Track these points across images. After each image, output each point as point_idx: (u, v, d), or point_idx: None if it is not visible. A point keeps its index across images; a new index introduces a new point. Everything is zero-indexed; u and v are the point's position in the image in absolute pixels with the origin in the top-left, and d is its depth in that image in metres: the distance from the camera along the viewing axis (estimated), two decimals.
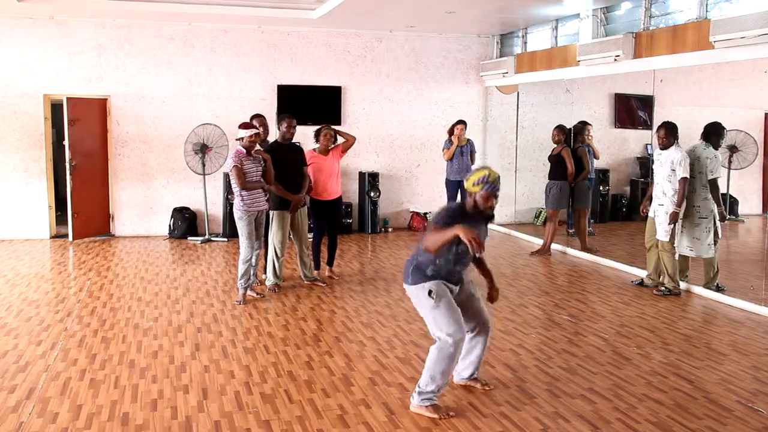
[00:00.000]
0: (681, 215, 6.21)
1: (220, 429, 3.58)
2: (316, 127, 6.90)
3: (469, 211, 3.66)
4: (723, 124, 6.41)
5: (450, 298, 3.74)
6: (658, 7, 7.15)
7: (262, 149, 6.17)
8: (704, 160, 6.20)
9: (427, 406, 3.72)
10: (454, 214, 3.62)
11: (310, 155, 6.71)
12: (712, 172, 6.18)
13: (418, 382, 3.77)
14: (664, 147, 6.25)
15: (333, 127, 6.93)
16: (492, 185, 3.59)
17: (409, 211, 10.37)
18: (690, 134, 6.60)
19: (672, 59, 6.73)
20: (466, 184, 3.64)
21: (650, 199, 6.51)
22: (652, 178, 6.52)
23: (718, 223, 6.27)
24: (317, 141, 6.81)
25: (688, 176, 6.07)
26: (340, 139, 6.91)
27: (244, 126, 6.01)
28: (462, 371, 4.11)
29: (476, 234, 3.36)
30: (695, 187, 6.22)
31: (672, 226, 6.19)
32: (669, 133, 6.20)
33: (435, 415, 3.68)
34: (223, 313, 5.71)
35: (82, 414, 3.73)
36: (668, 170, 6.19)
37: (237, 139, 6.00)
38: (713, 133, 6.32)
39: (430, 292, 3.68)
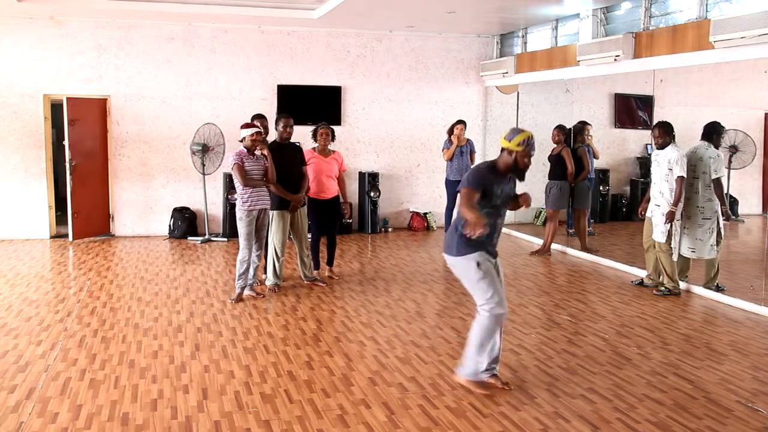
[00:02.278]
0: (678, 215, 6.21)
1: (220, 429, 3.58)
2: (314, 127, 6.93)
3: (502, 169, 3.92)
4: (721, 123, 6.43)
5: (494, 273, 3.94)
6: (658, 7, 7.15)
7: (265, 147, 6.18)
8: (707, 160, 6.21)
9: (474, 382, 3.97)
10: (483, 174, 3.86)
11: (310, 155, 6.72)
12: (716, 172, 6.20)
13: (463, 356, 4.00)
14: (661, 147, 6.26)
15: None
16: (532, 146, 3.90)
17: (409, 211, 10.37)
18: (690, 134, 6.61)
19: (672, 59, 6.74)
20: (508, 144, 3.85)
21: (648, 200, 6.51)
22: (647, 179, 6.54)
23: (721, 223, 6.27)
24: (315, 140, 6.83)
25: (685, 175, 6.07)
26: (339, 147, 6.91)
27: (246, 126, 6.03)
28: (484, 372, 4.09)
29: (482, 224, 3.60)
30: (698, 188, 6.22)
31: (668, 225, 6.19)
32: (665, 133, 6.20)
33: (484, 391, 3.91)
34: (223, 313, 5.71)
35: (82, 414, 3.73)
36: (665, 170, 6.20)
37: (240, 140, 6.02)
38: (714, 132, 6.33)
39: (478, 264, 3.85)
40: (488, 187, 3.86)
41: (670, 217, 6.15)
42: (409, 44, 10.14)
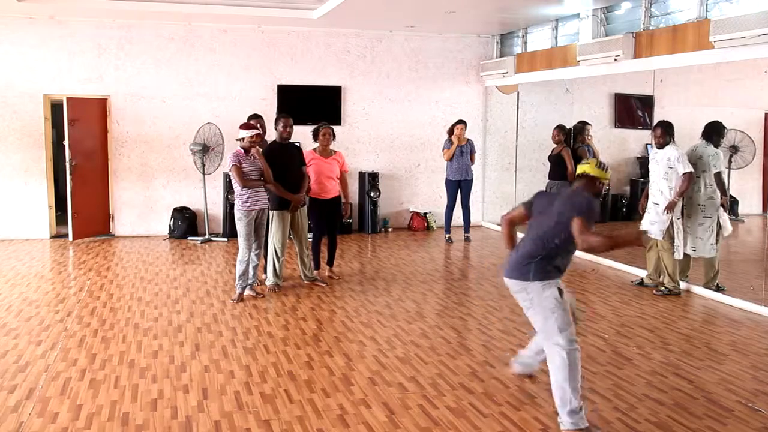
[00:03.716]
0: (678, 213, 6.21)
1: (220, 429, 3.58)
2: (314, 127, 6.92)
3: (597, 193, 3.76)
4: (722, 123, 6.44)
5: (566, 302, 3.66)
6: (658, 6, 7.15)
7: (260, 150, 6.18)
8: (706, 158, 6.24)
9: (581, 430, 3.45)
10: (596, 210, 3.59)
11: (311, 155, 6.71)
12: (715, 167, 6.24)
13: (557, 404, 3.53)
14: (661, 146, 6.27)
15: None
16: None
17: (409, 211, 10.37)
18: (690, 134, 6.62)
19: (672, 59, 6.74)
20: (599, 173, 3.71)
21: (647, 197, 6.52)
22: (647, 178, 6.56)
23: (724, 217, 6.28)
24: (316, 140, 6.81)
25: (692, 170, 6.08)
26: (339, 147, 6.91)
27: (245, 126, 6.03)
28: (527, 359, 4.17)
29: (641, 235, 3.61)
30: (699, 186, 6.23)
31: (667, 220, 6.19)
32: (665, 132, 6.23)
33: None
34: (223, 313, 5.71)
35: (82, 414, 3.73)
36: (665, 168, 6.21)
37: (238, 140, 6.01)
38: (714, 132, 6.35)
39: (560, 290, 3.60)
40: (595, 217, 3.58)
41: (670, 207, 6.16)
42: (409, 44, 10.14)
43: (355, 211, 9.94)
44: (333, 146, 6.93)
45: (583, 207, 3.53)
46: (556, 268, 3.65)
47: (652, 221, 6.30)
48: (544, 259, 3.62)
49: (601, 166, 3.74)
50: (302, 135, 8.56)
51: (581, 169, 3.79)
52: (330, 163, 6.76)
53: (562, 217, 3.55)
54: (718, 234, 6.31)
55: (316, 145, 6.81)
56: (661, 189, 6.25)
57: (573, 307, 3.84)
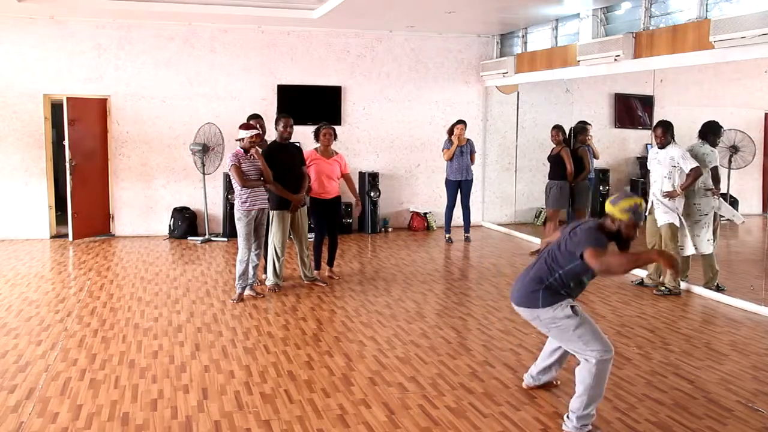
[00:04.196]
0: (679, 204, 6.21)
1: (220, 429, 3.58)
2: (315, 127, 6.91)
3: (608, 232, 3.48)
4: (720, 123, 6.47)
5: (589, 317, 3.58)
6: (658, 6, 7.15)
7: (260, 150, 6.18)
8: (702, 156, 6.28)
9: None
10: (600, 235, 3.44)
11: (312, 155, 6.71)
12: (710, 163, 6.30)
13: (572, 406, 3.52)
14: (662, 145, 6.30)
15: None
16: (640, 216, 3.46)
17: (409, 211, 10.36)
18: (690, 134, 6.63)
19: (672, 59, 6.74)
20: (613, 209, 3.42)
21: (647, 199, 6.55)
22: (648, 178, 6.59)
23: (728, 208, 6.29)
24: (317, 140, 6.81)
25: (698, 164, 6.11)
26: (339, 147, 6.91)
27: (245, 127, 6.03)
28: (539, 375, 4.03)
29: (675, 261, 3.34)
30: (695, 184, 6.25)
31: (674, 203, 6.20)
32: (666, 132, 6.26)
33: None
34: (223, 313, 5.71)
35: (82, 414, 3.73)
36: (668, 168, 6.23)
37: (237, 140, 6.01)
38: (710, 131, 6.40)
39: (573, 308, 3.50)
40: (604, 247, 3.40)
41: (671, 195, 6.19)
42: (409, 44, 10.14)
43: (355, 212, 9.92)
44: (334, 148, 6.93)
45: (589, 237, 3.40)
46: (567, 293, 3.60)
47: (665, 211, 6.31)
48: (549, 288, 3.58)
49: (614, 200, 3.46)
50: (302, 135, 8.55)
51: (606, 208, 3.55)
52: (331, 164, 6.76)
53: (572, 247, 3.46)
54: (715, 231, 6.34)
55: (318, 145, 6.81)
56: (664, 189, 6.26)
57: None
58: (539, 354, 4.10)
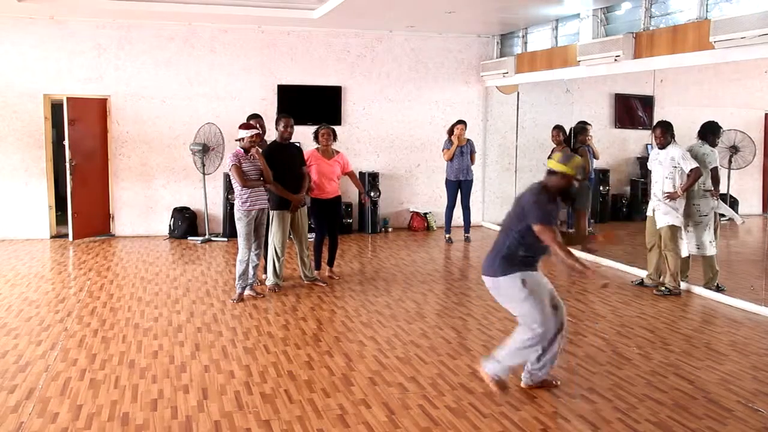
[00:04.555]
0: (680, 205, 6.22)
1: (220, 429, 3.58)
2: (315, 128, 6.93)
3: (553, 192, 3.82)
4: (718, 123, 6.47)
5: (543, 288, 3.87)
6: (658, 7, 7.15)
7: (260, 150, 6.18)
8: (702, 156, 6.28)
9: (493, 377, 3.89)
10: (550, 206, 3.77)
11: (313, 155, 6.71)
12: (710, 163, 6.29)
13: (498, 355, 3.91)
14: (662, 146, 6.30)
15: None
16: (583, 173, 4.06)
17: (409, 211, 10.36)
18: (690, 134, 6.63)
19: (672, 59, 6.74)
20: (564, 168, 3.78)
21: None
22: (649, 178, 6.58)
23: (727, 209, 6.30)
24: (317, 141, 6.82)
25: (698, 165, 6.11)
26: (340, 147, 6.92)
27: (245, 127, 6.03)
28: (536, 372, 4.04)
29: (594, 271, 3.86)
30: (694, 185, 6.24)
31: (675, 204, 6.20)
32: (665, 132, 6.26)
33: (494, 388, 3.90)
34: (223, 313, 5.71)
35: (82, 414, 3.73)
36: (669, 168, 6.23)
37: (237, 140, 6.01)
38: (709, 131, 6.40)
39: (523, 282, 3.80)
40: (554, 215, 3.79)
41: (671, 197, 6.19)
42: (409, 44, 10.14)
43: (355, 211, 9.95)
44: (335, 146, 6.94)
45: (538, 214, 3.72)
46: (522, 261, 3.85)
47: (666, 212, 6.30)
48: (509, 254, 3.87)
49: (563, 160, 3.82)
50: (302, 135, 8.55)
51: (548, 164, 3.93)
52: (331, 164, 6.76)
53: (519, 214, 3.83)
54: (715, 231, 6.34)
55: (318, 145, 6.82)
56: (665, 189, 6.26)
57: (553, 294, 3.97)
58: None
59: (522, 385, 4.12)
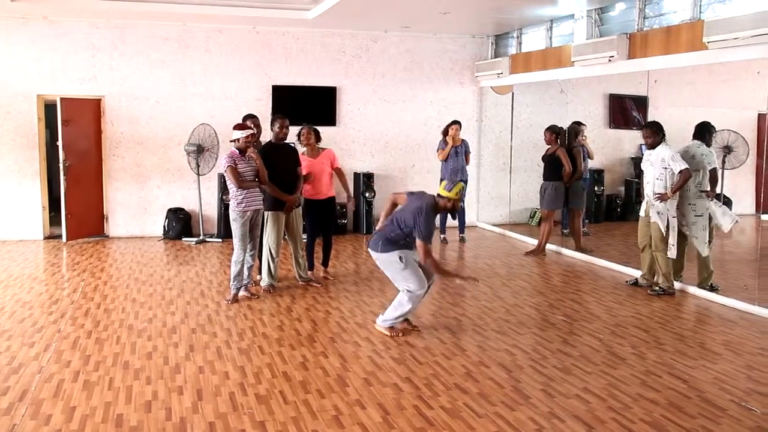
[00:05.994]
0: (673, 211, 6.23)
1: (215, 430, 3.57)
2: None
3: (441, 209, 5.00)
4: (711, 123, 6.49)
5: (415, 262, 5.03)
6: (652, 8, 7.18)
7: (255, 150, 6.17)
8: (700, 157, 6.27)
9: (387, 327, 5.12)
10: (433, 222, 4.93)
11: (302, 158, 6.71)
12: (710, 164, 6.30)
13: (386, 315, 5.14)
14: (652, 146, 6.30)
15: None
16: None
17: None
18: (684, 135, 6.65)
19: (666, 60, 6.76)
20: (448, 194, 4.94)
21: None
22: (641, 179, 6.59)
23: (718, 212, 6.31)
24: (299, 142, 6.88)
25: (688, 166, 6.10)
26: (334, 147, 6.92)
27: (239, 127, 6.01)
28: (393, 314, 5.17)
29: (469, 278, 5.51)
30: (689, 185, 6.26)
31: (665, 205, 6.20)
32: (654, 133, 6.27)
33: (389, 334, 5.08)
34: (217, 314, 5.69)
35: (76, 416, 3.72)
36: (659, 169, 6.23)
37: (232, 141, 6.00)
38: (706, 131, 6.42)
39: (400, 258, 4.98)
40: (433, 230, 5.00)
41: (662, 198, 6.19)
42: (404, 45, 10.14)
43: (350, 212, 9.94)
44: (327, 145, 6.94)
45: (424, 232, 4.81)
46: (403, 245, 4.99)
47: (660, 212, 6.31)
48: (392, 239, 4.99)
49: (448, 187, 4.95)
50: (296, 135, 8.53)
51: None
52: (319, 162, 6.77)
53: (408, 220, 4.88)
54: (711, 232, 6.35)
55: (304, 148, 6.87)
56: (656, 190, 6.27)
57: (421, 265, 5.03)
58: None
59: (376, 326, 5.19)
